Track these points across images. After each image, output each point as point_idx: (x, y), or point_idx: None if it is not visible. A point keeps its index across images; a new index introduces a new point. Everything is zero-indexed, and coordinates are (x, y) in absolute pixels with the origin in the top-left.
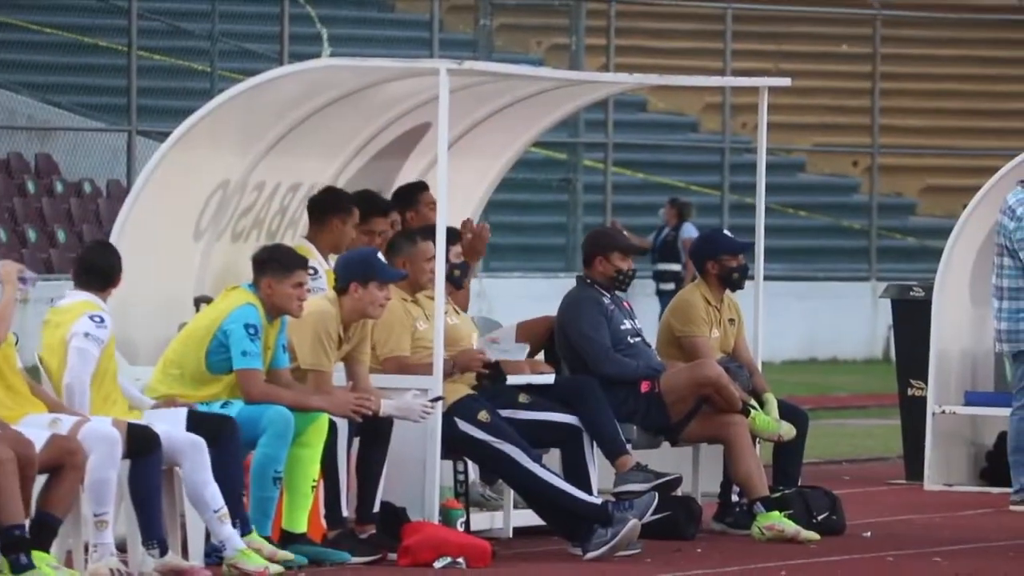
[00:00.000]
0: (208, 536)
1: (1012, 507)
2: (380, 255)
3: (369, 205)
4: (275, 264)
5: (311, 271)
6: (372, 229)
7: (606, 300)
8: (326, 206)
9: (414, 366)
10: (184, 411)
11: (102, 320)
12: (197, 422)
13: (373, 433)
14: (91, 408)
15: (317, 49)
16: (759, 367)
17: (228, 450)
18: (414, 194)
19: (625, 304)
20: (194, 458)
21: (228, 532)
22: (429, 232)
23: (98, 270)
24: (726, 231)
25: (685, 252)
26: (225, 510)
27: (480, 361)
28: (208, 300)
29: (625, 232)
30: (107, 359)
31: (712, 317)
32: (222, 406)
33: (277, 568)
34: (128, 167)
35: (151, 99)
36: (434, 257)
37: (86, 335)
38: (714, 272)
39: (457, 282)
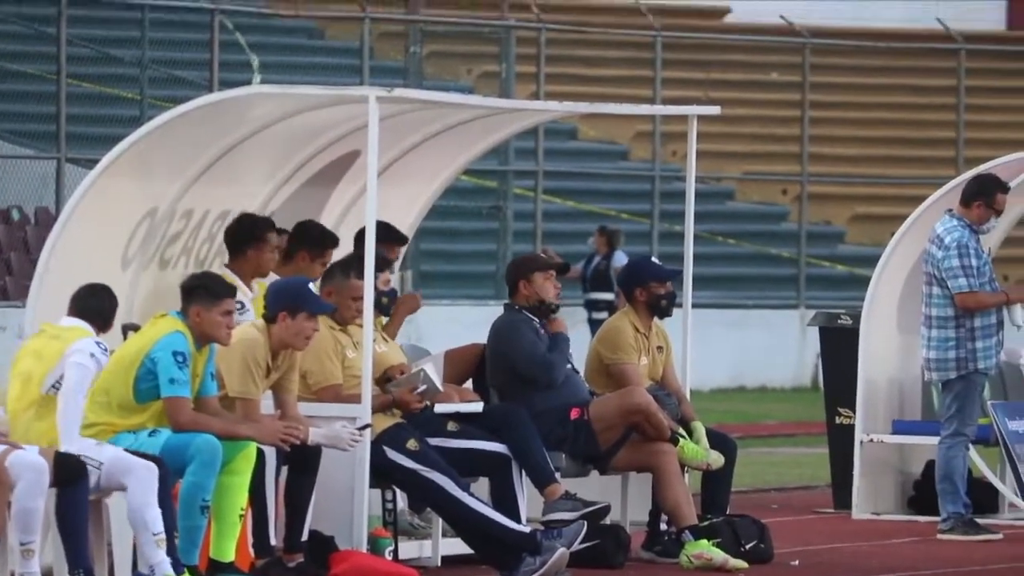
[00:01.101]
0: (135, 565)
1: (940, 535)
2: (312, 286)
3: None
4: (203, 292)
5: (239, 304)
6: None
7: (536, 324)
8: (239, 235)
9: (349, 395)
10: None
11: (105, 350)
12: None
13: (301, 462)
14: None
15: (247, 76)
16: (688, 395)
17: (164, 490)
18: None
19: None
20: (143, 479)
21: (160, 558)
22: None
23: (96, 312)
24: (654, 258)
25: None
26: (163, 536)
27: (418, 409)
28: (136, 328)
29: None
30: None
31: (640, 344)
32: (149, 434)
33: None
34: (57, 194)
35: (80, 126)
36: (361, 297)
37: (91, 355)
38: (642, 299)
39: (385, 310)
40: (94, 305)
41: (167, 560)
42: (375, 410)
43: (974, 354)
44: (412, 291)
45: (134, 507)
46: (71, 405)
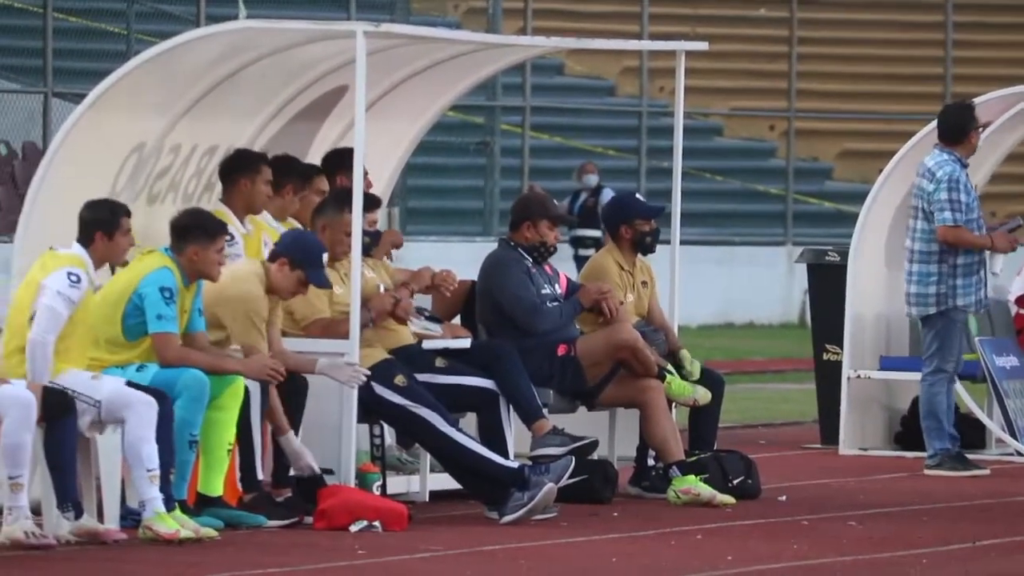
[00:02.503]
0: (124, 499)
1: (927, 471)
2: (325, 257)
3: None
4: (200, 231)
5: (228, 237)
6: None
7: (528, 263)
8: (232, 167)
9: (336, 323)
10: (123, 380)
11: (78, 279)
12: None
13: (288, 396)
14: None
15: (234, 11)
16: (675, 331)
17: (166, 420)
18: (344, 159)
19: (547, 268)
20: (142, 414)
21: (153, 494)
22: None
23: (94, 224)
24: (638, 195)
25: None
26: (157, 473)
27: (391, 299)
28: (123, 264)
29: (554, 201)
30: (82, 313)
31: (625, 281)
32: (137, 370)
33: (188, 533)
34: (44, 129)
35: (67, 61)
36: (351, 233)
37: (58, 293)
38: (627, 236)
39: (367, 249)
40: (88, 218)
41: (159, 496)
42: (377, 317)
43: (954, 290)
44: (395, 229)
45: (130, 441)
46: (38, 351)
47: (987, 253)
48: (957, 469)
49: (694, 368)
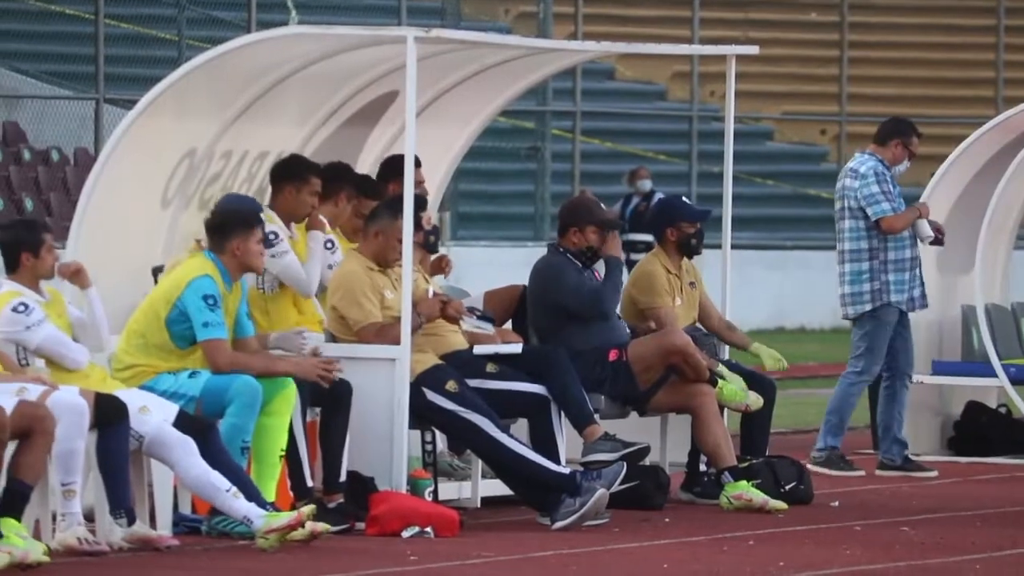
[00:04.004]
0: (176, 506)
1: (812, 466)
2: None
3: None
4: (240, 223)
5: (271, 235)
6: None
7: (577, 266)
8: (281, 173)
9: (388, 326)
10: (176, 409)
11: (26, 307)
12: (184, 423)
13: (332, 401)
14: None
15: (284, 17)
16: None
17: (216, 448)
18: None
19: (597, 275)
20: (184, 457)
21: (246, 506)
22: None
23: (5, 246)
24: (684, 198)
25: None
26: (235, 488)
27: (439, 302)
28: (161, 269)
29: (601, 206)
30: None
31: (673, 285)
32: (190, 376)
33: (308, 508)
34: (96, 135)
35: (118, 67)
36: (403, 239)
37: (27, 328)
38: (673, 239)
39: (432, 247)
40: (9, 240)
41: (254, 506)
42: (427, 319)
43: (888, 286)
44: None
45: (191, 482)
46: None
47: (917, 233)
48: (841, 469)
49: (775, 362)
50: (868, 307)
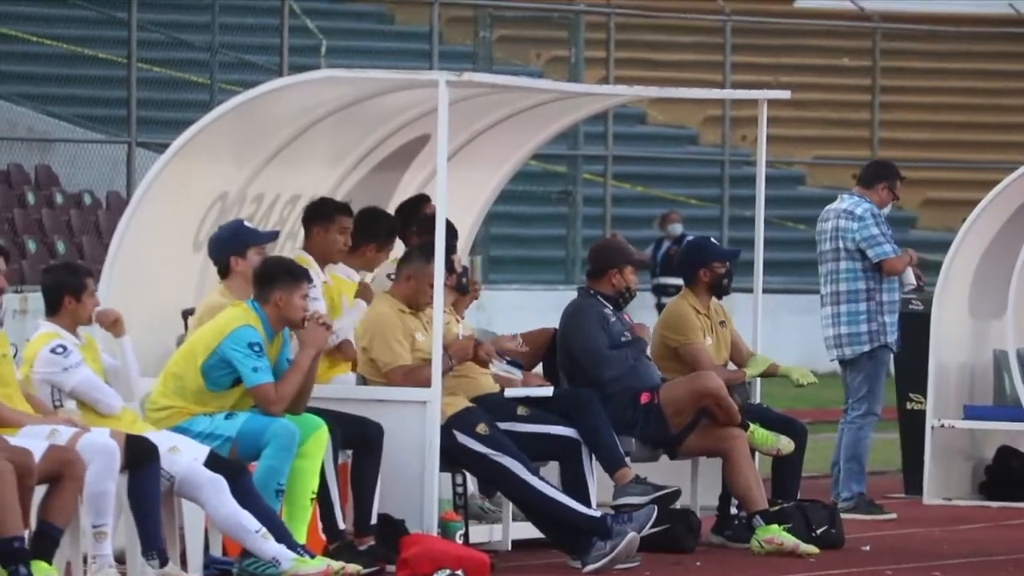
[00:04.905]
0: (207, 547)
1: (843, 515)
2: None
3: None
4: (286, 276)
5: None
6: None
7: (608, 311)
8: (309, 214)
9: (418, 368)
10: (206, 451)
11: (63, 349)
12: (214, 464)
13: (363, 444)
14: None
15: (316, 60)
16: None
17: (247, 490)
18: (418, 207)
19: (627, 317)
20: (215, 496)
21: (276, 547)
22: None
23: (48, 288)
24: (712, 239)
25: None
26: (265, 529)
27: (472, 345)
28: (192, 312)
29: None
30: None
31: (704, 325)
32: (226, 417)
33: (339, 564)
34: (128, 178)
35: (151, 111)
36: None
37: (64, 370)
38: (705, 280)
39: (464, 288)
40: (53, 283)
41: (283, 547)
42: (459, 362)
43: (884, 327)
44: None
45: (221, 522)
46: (98, 395)
47: (905, 276)
48: (872, 513)
49: (804, 377)
50: (866, 348)
